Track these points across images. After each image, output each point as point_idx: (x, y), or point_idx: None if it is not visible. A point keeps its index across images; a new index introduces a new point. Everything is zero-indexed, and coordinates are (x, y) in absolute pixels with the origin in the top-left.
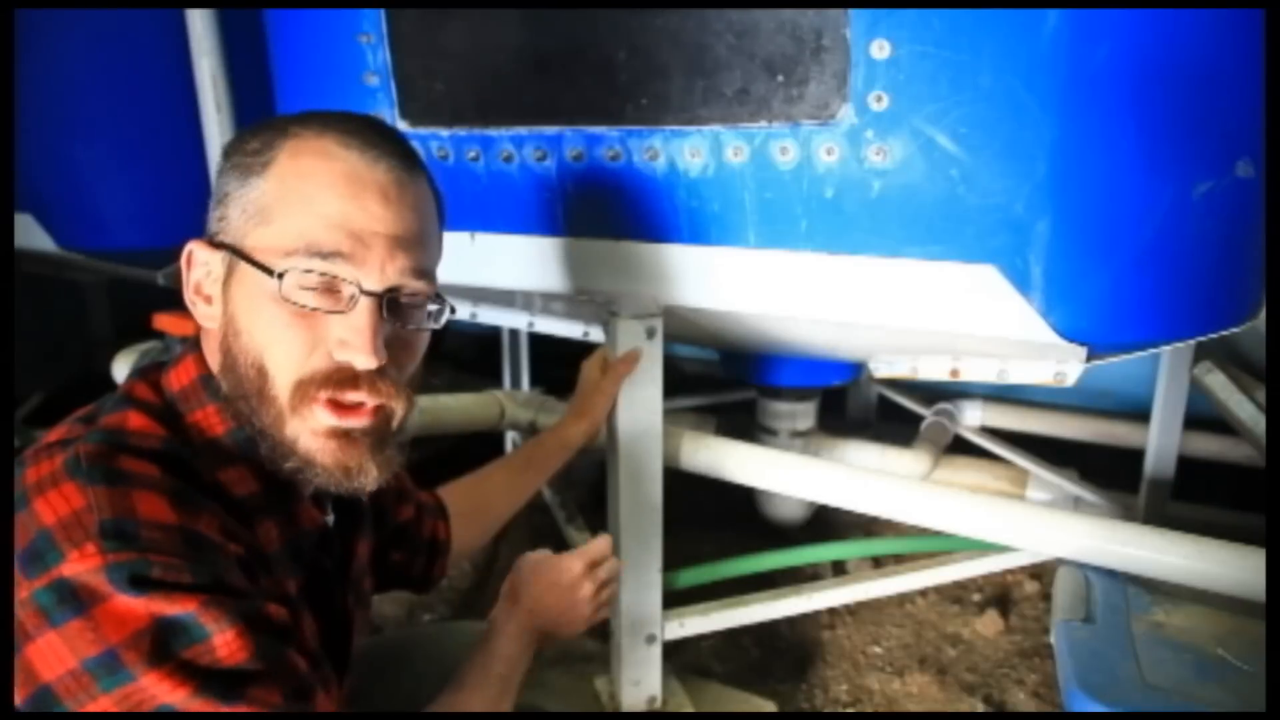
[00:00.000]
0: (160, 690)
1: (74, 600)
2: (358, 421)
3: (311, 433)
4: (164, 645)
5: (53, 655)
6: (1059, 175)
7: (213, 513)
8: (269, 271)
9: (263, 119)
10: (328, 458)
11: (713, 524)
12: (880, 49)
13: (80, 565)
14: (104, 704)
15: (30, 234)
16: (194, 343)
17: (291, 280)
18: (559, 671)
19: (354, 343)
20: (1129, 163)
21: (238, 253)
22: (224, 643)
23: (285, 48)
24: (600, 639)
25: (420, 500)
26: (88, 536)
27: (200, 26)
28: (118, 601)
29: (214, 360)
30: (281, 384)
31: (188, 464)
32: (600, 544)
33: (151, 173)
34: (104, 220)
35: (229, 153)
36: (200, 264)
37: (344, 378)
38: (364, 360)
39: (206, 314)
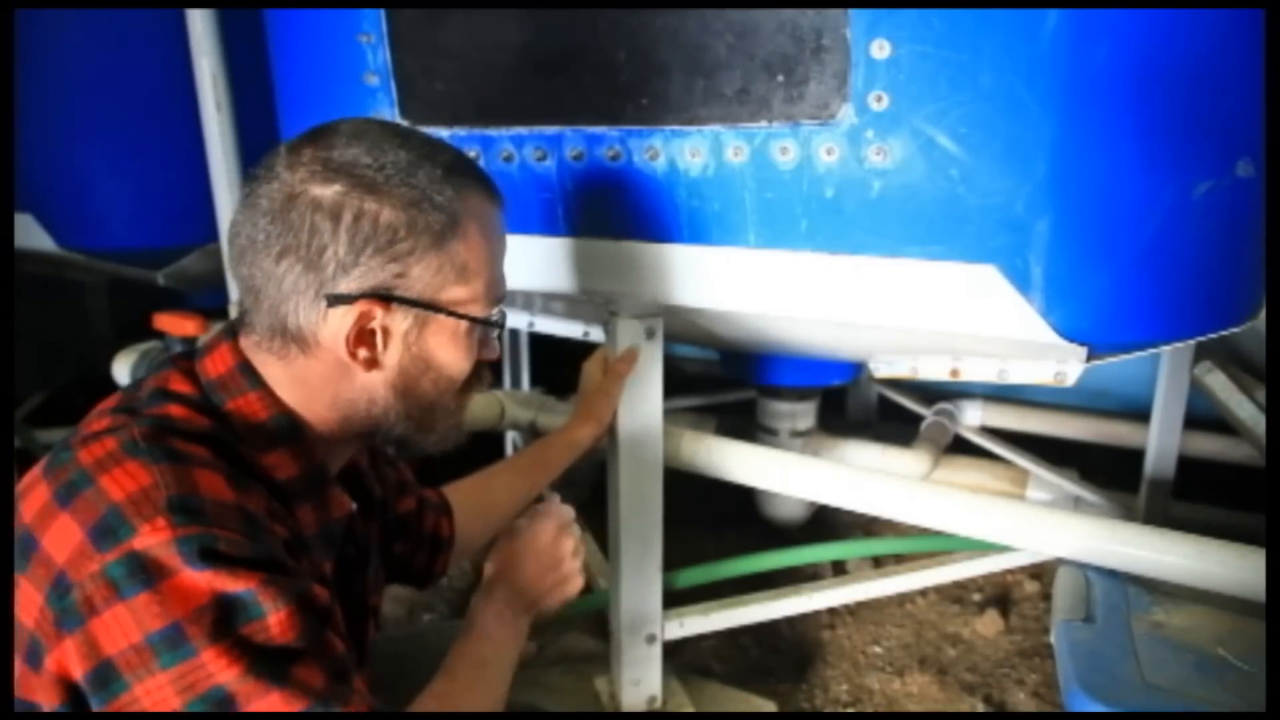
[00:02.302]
0: (216, 667)
1: (143, 574)
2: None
3: (459, 414)
4: (225, 621)
5: (118, 629)
6: (1059, 175)
7: (259, 494)
8: (491, 322)
9: (413, 166)
10: (461, 425)
11: (713, 524)
12: (880, 49)
13: (152, 539)
14: (160, 680)
15: (30, 234)
16: (227, 330)
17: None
18: (559, 671)
19: (495, 348)
20: (1129, 163)
21: (436, 308)
22: (277, 621)
23: (285, 48)
24: (600, 639)
25: (423, 495)
26: (157, 511)
27: (200, 26)
28: (184, 576)
29: (323, 389)
30: (457, 390)
31: (234, 448)
32: (562, 506)
33: (151, 173)
34: (104, 220)
35: (407, 202)
36: (366, 317)
37: (484, 370)
38: (496, 356)
39: (367, 358)
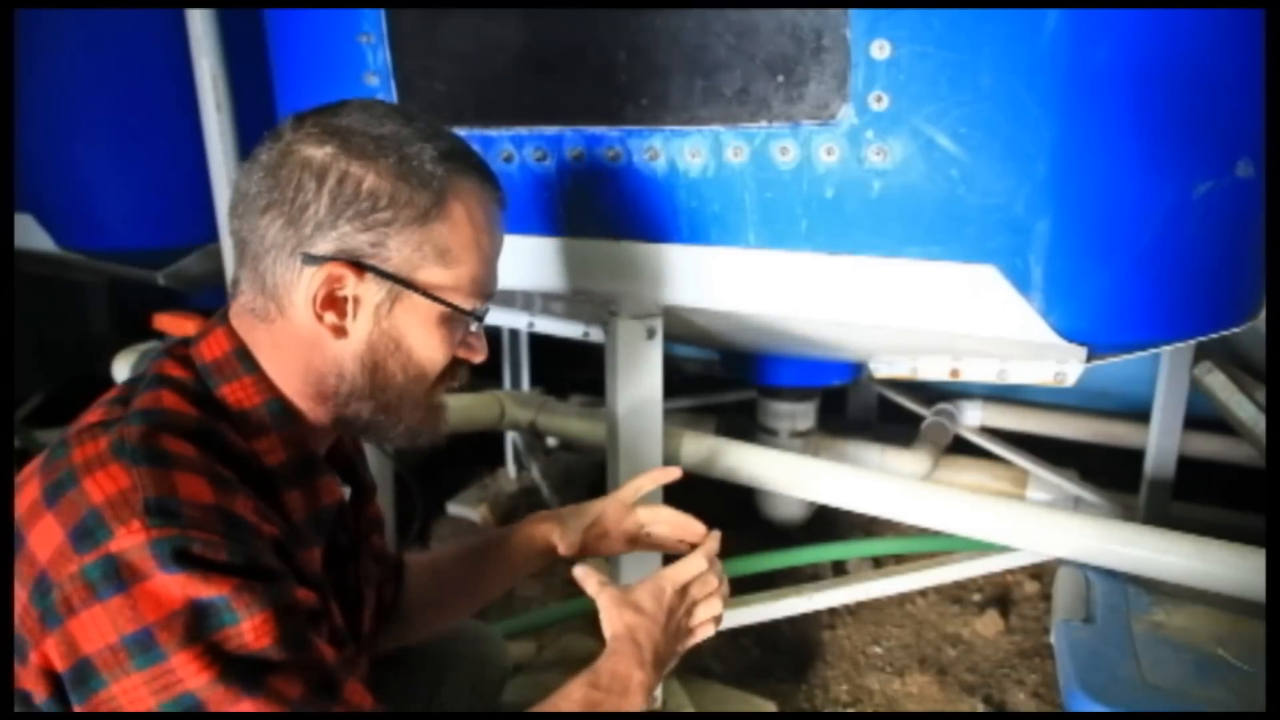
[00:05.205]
0: (187, 673)
1: (118, 577)
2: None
3: (430, 410)
4: (196, 627)
5: (95, 629)
6: (1059, 175)
7: (247, 495)
8: (466, 312)
9: (398, 137)
10: (437, 424)
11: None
12: (880, 49)
13: (127, 541)
14: (135, 680)
15: (30, 234)
16: (223, 315)
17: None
18: (559, 672)
19: (480, 349)
20: (1129, 163)
21: (410, 285)
22: (252, 628)
23: (285, 48)
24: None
25: (384, 549)
26: (134, 514)
27: (200, 26)
28: (157, 580)
29: (297, 356)
30: (429, 383)
31: (223, 438)
32: (690, 566)
33: (151, 173)
34: (104, 220)
35: (395, 174)
36: (336, 280)
37: (458, 368)
38: (480, 359)
39: (334, 324)
